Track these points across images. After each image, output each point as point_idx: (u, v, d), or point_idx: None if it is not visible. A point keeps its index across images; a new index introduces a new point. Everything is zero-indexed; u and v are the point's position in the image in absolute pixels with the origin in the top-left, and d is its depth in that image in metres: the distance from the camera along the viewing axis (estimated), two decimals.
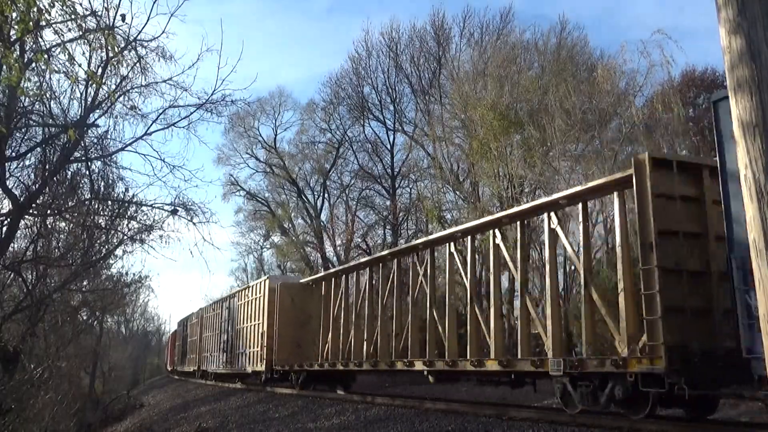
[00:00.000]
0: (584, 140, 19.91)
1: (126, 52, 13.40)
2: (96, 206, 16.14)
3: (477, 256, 12.30)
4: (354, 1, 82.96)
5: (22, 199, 14.33)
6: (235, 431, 14.32)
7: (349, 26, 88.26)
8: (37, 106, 14.20)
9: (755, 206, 3.84)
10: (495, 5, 65.74)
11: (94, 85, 13.09)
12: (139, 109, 14.38)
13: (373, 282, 15.03)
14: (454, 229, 12.67)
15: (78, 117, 14.27)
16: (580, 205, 9.40)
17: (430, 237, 13.65)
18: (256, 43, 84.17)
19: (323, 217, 40.51)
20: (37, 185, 14.71)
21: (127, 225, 16.77)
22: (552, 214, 9.56)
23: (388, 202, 36.92)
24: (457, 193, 27.51)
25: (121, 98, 14.25)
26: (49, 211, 15.65)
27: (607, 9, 65.52)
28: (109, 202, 16.29)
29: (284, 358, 18.18)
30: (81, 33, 11.77)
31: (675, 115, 17.30)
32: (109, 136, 15.17)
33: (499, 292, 11.07)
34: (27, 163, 15.25)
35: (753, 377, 6.34)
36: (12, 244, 16.12)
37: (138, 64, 13.87)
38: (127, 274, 25.42)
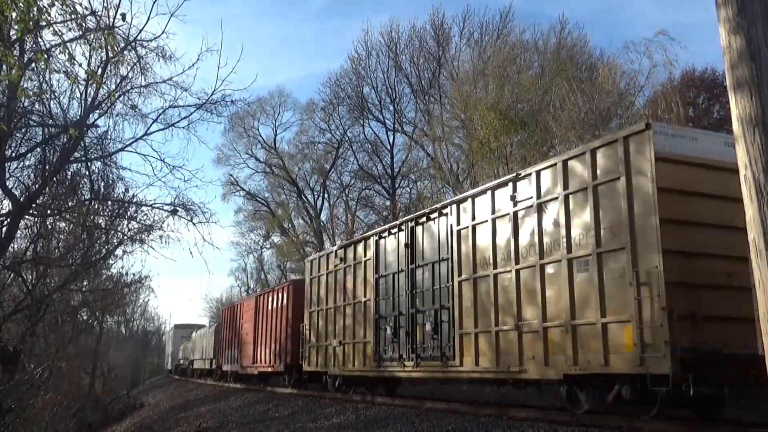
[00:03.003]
0: (585, 140, 19.90)
1: (126, 52, 13.43)
2: (96, 206, 16.14)
3: None
4: (353, 1, 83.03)
5: (22, 199, 14.34)
6: (235, 431, 14.32)
7: (348, 26, 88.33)
8: (37, 107, 14.24)
9: (755, 206, 3.84)
10: (495, 5, 65.82)
11: (94, 85, 13.10)
12: (139, 109, 14.42)
13: None
14: None
15: (78, 117, 14.29)
16: None
17: None
18: (255, 44, 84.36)
19: (323, 217, 40.54)
20: (37, 185, 14.71)
21: (127, 225, 16.79)
22: None
23: (387, 202, 36.91)
24: (457, 193, 27.46)
25: (121, 98, 14.28)
26: (49, 212, 15.66)
27: (607, 6, 65.60)
28: (109, 203, 16.30)
29: None
30: (81, 33, 11.80)
31: (675, 115, 17.31)
32: (108, 136, 15.21)
33: None
34: (27, 163, 15.30)
35: None
36: (12, 245, 16.14)
37: (138, 64, 13.90)
38: (127, 274, 25.41)
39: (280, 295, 20.14)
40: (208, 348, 32.56)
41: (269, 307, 20.92)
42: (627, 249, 7.76)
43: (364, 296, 13.99)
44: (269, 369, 20.60)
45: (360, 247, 14.60)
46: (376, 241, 13.81)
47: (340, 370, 14.91)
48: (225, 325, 27.86)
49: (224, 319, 28.34)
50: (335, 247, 16.25)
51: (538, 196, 9.31)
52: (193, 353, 38.12)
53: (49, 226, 17.13)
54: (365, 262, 14.14)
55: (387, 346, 12.89)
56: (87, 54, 13.41)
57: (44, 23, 9.17)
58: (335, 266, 15.60)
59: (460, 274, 10.79)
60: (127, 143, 14.81)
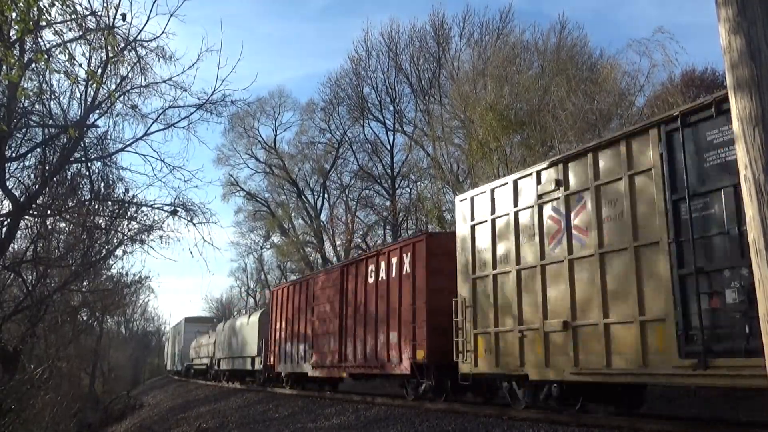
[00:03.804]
0: (585, 140, 19.93)
1: (126, 52, 13.43)
2: (96, 207, 16.15)
3: None
4: (353, 1, 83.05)
5: (22, 199, 14.34)
6: (235, 431, 14.31)
7: (348, 26, 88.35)
8: (37, 107, 14.25)
9: (755, 206, 3.84)
10: (495, 5, 65.86)
11: (94, 85, 13.12)
12: (139, 110, 14.44)
13: None
14: None
15: (78, 117, 14.30)
16: None
17: None
18: (255, 43, 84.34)
19: (323, 217, 40.56)
20: (37, 186, 14.71)
21: (127, 225, 16.79)
22: None
23: (388, 203, 36.91)
24: (457, 193, 27.46)
25: (121, 98, 14.29)
26: (49, 212, 15.66)
27: (606, 7, 65.63)
28: (109, 203, 16.30)
29: None
30: (81, 33, 11.82)
31: None
32: (108, 137, 15.22)
33: None
34: (27, 163, 15.31)
35: None
36: (12, 245, 16.14)
37: (138, 65, 13.92)
38: (127, 274, 25.47)
39: (398, 258, 13.18)
40: (246, 343, 24.23)
41: (372, 279, 14.13)
42: None
43: (635, 239, 7.84)
44: (375, 370, 13.76)
45: (617, 154, 8.28)
46: (668, 133, 7.60)
47: (567, 370, 8.60)
48: (278, 311, 20.33)
49: (276, 303, 20.68)
50: (539, 166, 9.68)
51: None
52: (219, 350, 29.60)
53: (49, 227, 17.15)
54: (632, 176, 8.00)
55: (731, 327, 6.70)
56: (87, 54, 13.45)
57: (44, 23, 9.20)
58: (540, 196, 9.43)
59: None
60: (127, 143, 14.84)
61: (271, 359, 20.69)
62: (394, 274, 13.26)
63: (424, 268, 12.19)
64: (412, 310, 12.24)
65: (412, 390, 12.78)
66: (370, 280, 14.23)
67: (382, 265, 13.82)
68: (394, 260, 13.37)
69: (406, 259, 12.87)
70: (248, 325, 24.34)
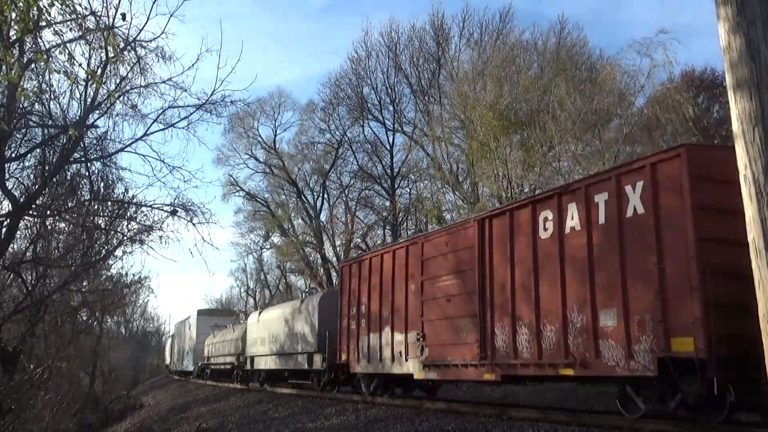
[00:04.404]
0: (584, 140, 19.93)
1: (126, 52, 13.41)
2: (95, 207, 16.12)
3: None
4: (352, 1, 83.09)
5: (21, 199, 14.33)
6: (235, 431, 14.32)
7: (348, 26, 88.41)
8: (37, 107, 14.22)
9: (755, 206, 3.84)
10: (494, 5, 65.88)
11: (94, 85, 13.10)
12: (139, 110, 14.40)
13: None
14: None
15: (78, 117, 14.27)
16: None
17: None
18: (254, 43, 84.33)
19: (323, 217, 40.54)
20: (36, 186, 14.70)
21: (126, 226, 16.75)
22: None
23: (387, 203, 36.92)
24: (457, 193, 27.50)
25: (120, 98, 14.25)
26: (48, 212, 15.65)
27: (606, 7, 65.67)
28: (109, 203, 16.28)
29: None
30: (81, 33, 11.81)
31: (677, 115, 17.32)
32: (108, 137, 15.19)
33: None
34: (27, 163, 15.28)
35: None
36: (12, 245, 16.13)
37: (137, 65, 13.89)
38: (126, 274, 25.43)
39: (612, 193, 8.52)
40: (299, 336, 18.81)
41: (550, 232, 9.50)
42: None
43: None
44: (567, 370, 8.80)
45: None
46: None
47: None
48: (354, 292, 15.18)
49: (350, 282, 15.50)
50: None
51: None
52: (252, 347, 23.89)
53: (49, 227, 17.13)
54: None
55: None
56: (87, 54, 13.41)
57: (44, 23, 9.19)
58: None
59: None
60: (127, 144, 14.80)
61: (343, 356, 15.40)
62: (602, 220, 8.67)
63: (688, 203, 7.52)
64: (658, 273, 7.72)
65: (652, 401, 8.18)
66: (544, 235, 9.62)
67: (572, 209, 9.19)
68: (599, 199, 8.77)
69: (632, 194, 8.25)
70: (301, 312, 18.96)
